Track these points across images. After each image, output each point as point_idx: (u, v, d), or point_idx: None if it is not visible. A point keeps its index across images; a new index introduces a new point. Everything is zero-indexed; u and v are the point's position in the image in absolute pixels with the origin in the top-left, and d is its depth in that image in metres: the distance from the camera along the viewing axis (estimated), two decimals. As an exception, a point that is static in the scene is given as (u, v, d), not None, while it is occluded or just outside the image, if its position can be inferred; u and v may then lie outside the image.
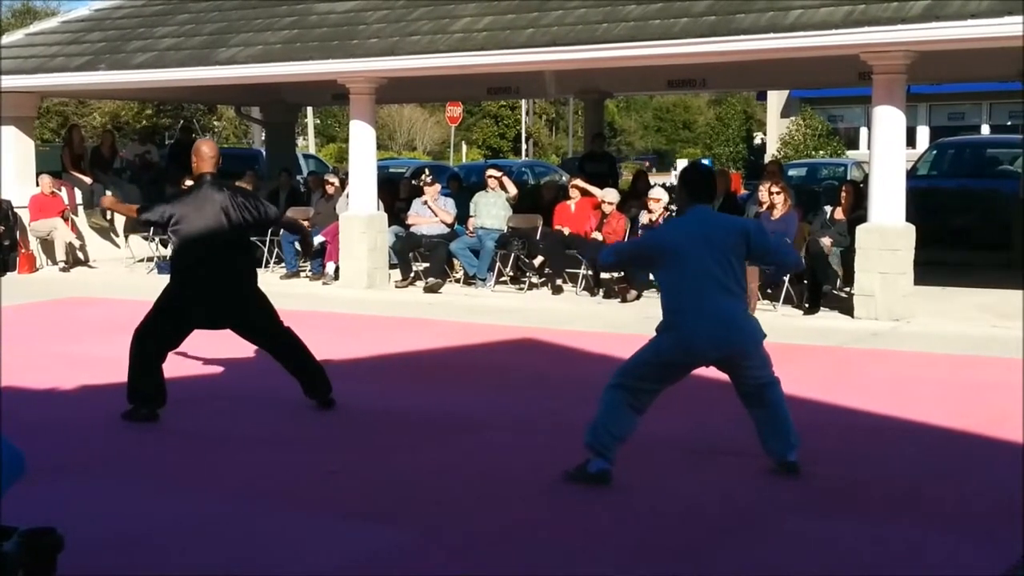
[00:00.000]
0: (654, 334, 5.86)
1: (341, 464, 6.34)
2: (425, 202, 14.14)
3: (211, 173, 7.12)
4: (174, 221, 7.05)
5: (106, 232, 17.38)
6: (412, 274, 14.04)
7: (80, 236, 16.59)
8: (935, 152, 21.42)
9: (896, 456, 6.41)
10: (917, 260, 11.20)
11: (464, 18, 12.92)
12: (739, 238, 5.72)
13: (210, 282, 7.09)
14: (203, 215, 7.02)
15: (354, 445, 6.78)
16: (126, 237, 16.88)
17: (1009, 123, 34.12)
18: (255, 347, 7.93)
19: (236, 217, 7.07)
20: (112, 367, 8.98)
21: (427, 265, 14.12)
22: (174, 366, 8.97)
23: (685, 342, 5.66)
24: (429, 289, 13.44)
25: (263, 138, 24.37)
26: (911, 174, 15.22)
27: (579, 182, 13.97)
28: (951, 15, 9.84)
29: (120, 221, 17.15)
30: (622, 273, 12.79)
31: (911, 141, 30.29)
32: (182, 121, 32.29)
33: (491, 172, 14.64)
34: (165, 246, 16.00)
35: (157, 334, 7.13)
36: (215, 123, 41.16)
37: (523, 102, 50.93)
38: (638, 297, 12.47)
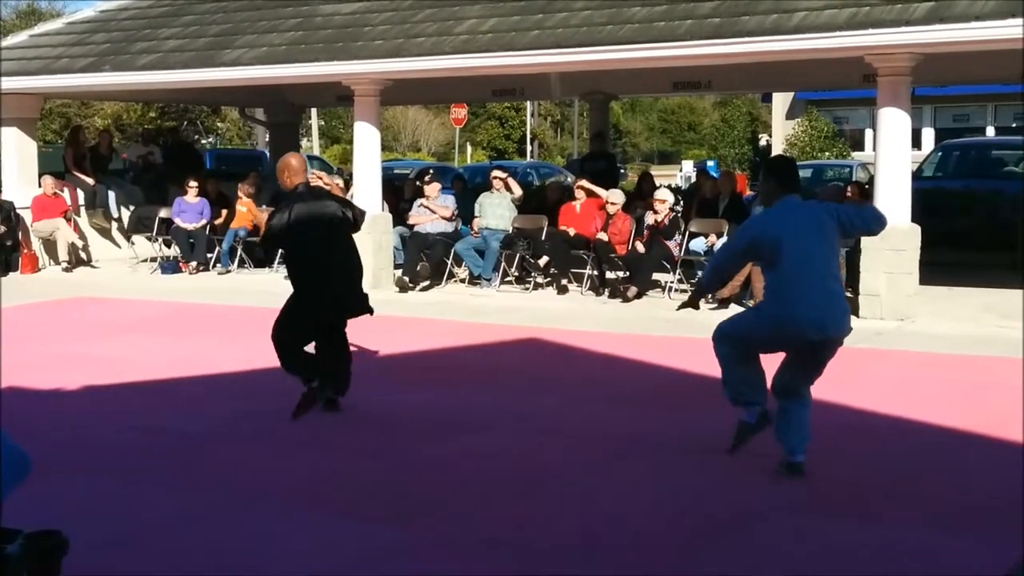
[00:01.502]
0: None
1: (343, 464, 6.35)
2: (422, 204, 14.16)
3: (304, 183, 7.45)
4: (296, 228, 7.24)
5: (108, 232, 17.40)
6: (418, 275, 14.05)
7: (83, 236, 16.62)
8: (940, 154, 21.39)
9: (898, 456, 6.41)
10: (922, 260, 11.20)
11: (469, 20, 12.92)
12: (835, 221, 5.86)
13: (342, 280, 7.42)
14: (322, 220, 7.34)
15: (355, 444, 6.79)
16: (128, 237, 16.92)
17: (1014, 125, 34.06)
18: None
19: (346, 217, 7.46)
20: (115, 367, 9.02)
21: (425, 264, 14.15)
22: (173, 366, 9.01)
23: (796, 319, 5.68)
24: (420, 288, 13.43)
25: (267, 139, 24.41)
26: (916, 175, 15.19)
27: (585, 183, 13.97)
28: (955, 17, 9.83)
29: (123, 221, 17.20)
30: (628, 273, 12.82)
31: (916, 143, 30.27)
32: (185, 122, 32.33)
33: (496, 173, 14.66)
34: (168, 246, 16.05)
35: (296, 337, 7.36)
36: (219, 124, 41.22)
37: (528, 104, 50.93)
38: (638, 296, 12.46)
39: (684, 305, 6.61)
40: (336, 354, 7.52)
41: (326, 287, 7.33)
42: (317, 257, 7.32)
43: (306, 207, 7.32)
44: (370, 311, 7.63)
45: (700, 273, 12.78)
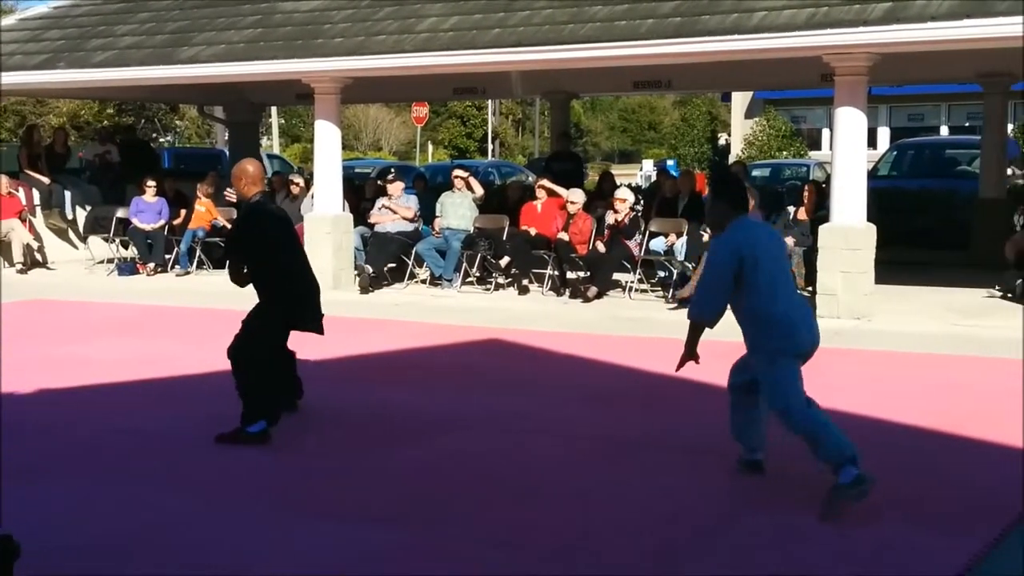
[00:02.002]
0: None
1: (324, 466, 6.32)
2: (384, 205, 14.11)
3: (262, 192, 7.17)
4: (279, 236, 7.06)
5: (64, 233, 17.20)
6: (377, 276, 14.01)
7: (38, 237, 16.40)
8: (896, 153, 21.64)
9: (862, 454, 6.45)
10: (878, 259, 11.31)
11: (430, 18, 12.89)
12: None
13: (314, 288, 7.25)
14: (290, 229, 7.23)
15: (324, 447, 6.76)
16: (85, 239, 16.73)
17: (967, 124, 34.49)
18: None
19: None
20: (71, 369, 8.92)
21: (393, 266, 14.10)
22: (145, 368, 8.92)
23: (804, 338, 5.58)
24: (363, 289, 13.41)
25: (226, 138, 24.24)
26: (872, 175, 15.36)
27: (546, 182, 13.98)
28: (911, 17, 9.94)
29: (84, 221, 17.00)
30: (589, 273, 12.85)
31: (872, 142, 30.55)
32: (143, 120, 32.05)
33: (457, 172, 14.63)
34: (126, 247, 15.89)
35: (270, 352, 7.02)
36: (177, 123, 40.88)
37: (489, 102, 50.92)
38: (599, 296, 12.50)
39: (685, 359, 5.85)
40: (289, 364, 7.39)
41: (310, 295, 7.18)
42: (302, 265, 7.19)
43: (280, 215, 7.27)
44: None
45: (662, 273, 12.84)
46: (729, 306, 5.71)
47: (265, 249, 6.95)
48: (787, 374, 5.55)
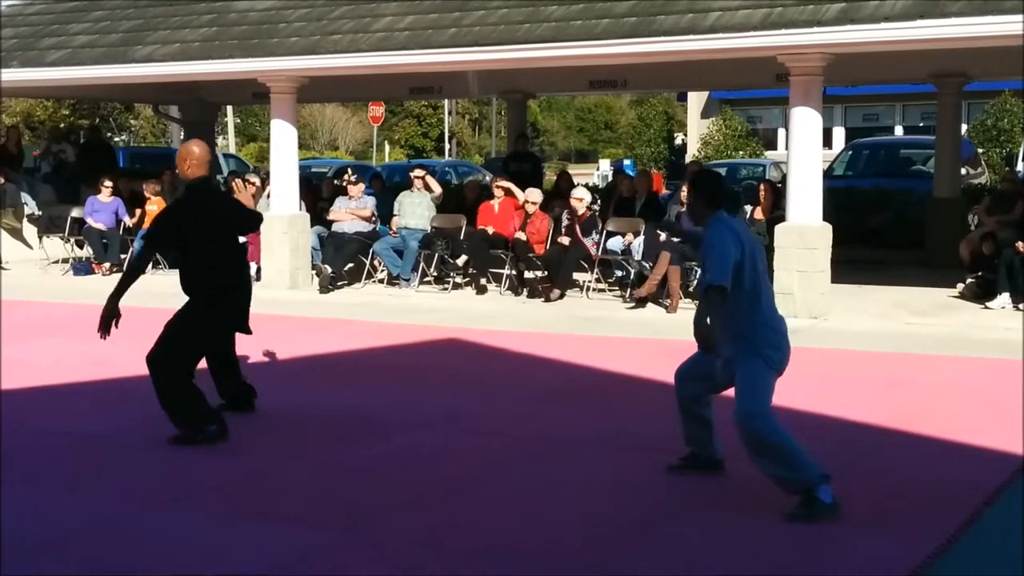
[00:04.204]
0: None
1: (267, 467, 6.28)
2: (349, 198, 14.07)
3: (205, 176, 6.79)
4: (216, 228, 6.71)
5: (18, 233, 16.98)
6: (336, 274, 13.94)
7: (-9, 237, 16.22)
8: (851, 153, 21.87)
9: (815, 451, 6.49)
10: (834, 258, 11.41)
11: (386, 17, 12.86)
12: None
13: (245, 286, 6.99)
14: (218, 221, 6.78)
15: (274, 447, 6.71)
16: (40, 239, 16.53)
17: (922, 124, 34.90)
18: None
19: (236, 221, 6.95)
20: (27, 370, 8.80)
21: (351, 265, 14.05)
22: (86, 369, 8.82)
23: (784, 340, 5.41)
24: (322, 289, 13.36)
25: (182, 137, 24.03)
26: (827, 174, 15.49)
27: (504, 182, 13.99)
28: (865, 18, 10.04)
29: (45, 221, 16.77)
30: (547, 272, 12.87)
31: (827, 142, 30.86)
32: (98, 119, 31.72)
33: (416, 172, 14.60)
34: (81, 247, 15.71)
35: (194, 360, 6.73)
36: (132, 122, 40.51)
37: (446, 102, 50.86)
38: (561, 296, 12.52)
39: (709, 348, 5.37)
40: (234, 367, 7.28)
41: (244, 294, 6.98)
42: (240, 262, 7.01)
43: (222, 206, 6.92)
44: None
45: (620, 272, 12.88)
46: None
47: (209, 228, 6.62)
48: (769, 380, 5.37)
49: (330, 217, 14.13)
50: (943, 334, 10.13)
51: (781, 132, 35.58)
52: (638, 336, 10.39)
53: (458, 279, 13.65)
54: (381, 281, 13.99)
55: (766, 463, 5.34)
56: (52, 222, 16.17)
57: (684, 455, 5.99)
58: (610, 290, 13.09)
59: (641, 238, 12.48)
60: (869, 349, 9.62)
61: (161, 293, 13.08)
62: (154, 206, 15.28)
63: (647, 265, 12.09)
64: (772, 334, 5.38)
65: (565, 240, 12.70)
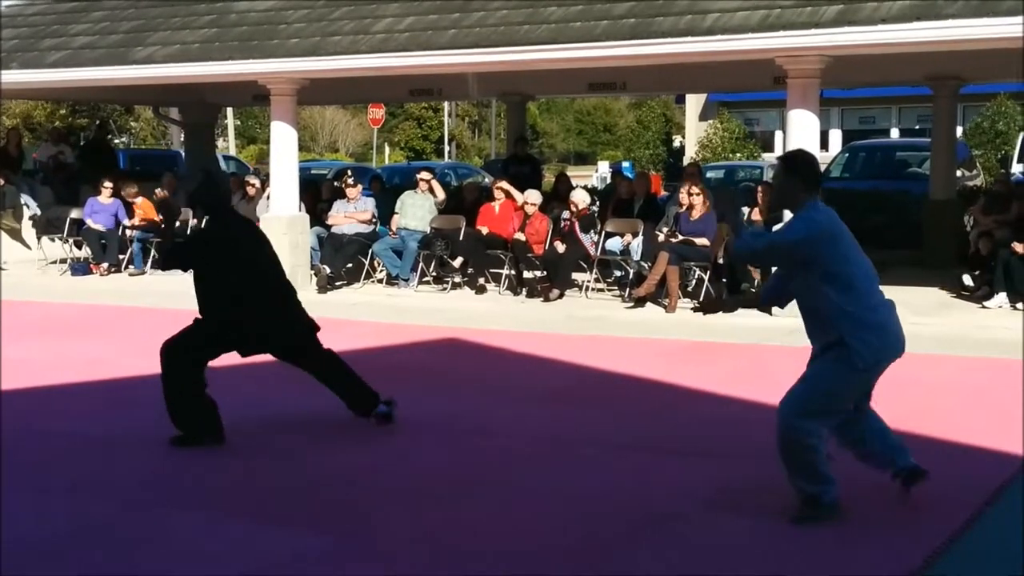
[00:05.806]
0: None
1: (265, 469, 6.30)
2: (348, 200, 14.10)
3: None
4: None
5: (17, 234, 17.00)
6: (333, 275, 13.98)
7: (-9, 238, 16.24)
8: (847, 155, 21.92)
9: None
10: (831, 259, 11.41)
11: (386, 19, 12.89)
12: None
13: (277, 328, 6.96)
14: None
15: (279, 449, 6.73)
16: (39, 239, 16.56)
17: (918, 126, 34.94)
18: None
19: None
20: (24, 370, 8.82)
21: (350, 265, 14.08)
22: (96, 368, 8.85)
23: (893, 342, 5.26)
24: (320, 289, 13.38)
25: (182, 139, 24.06)
26: (825, 176, 15.51)
27: (504, 184, 14.03)
28: (862, 20, 10.08)
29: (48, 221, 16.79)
30: (546, 272, 12.91)
31: (824, 144, 30.94)
32: (98, 120, 31.72)
33: (423, 175, 14.59)
34: (79, 247, 15.74)
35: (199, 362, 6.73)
36: (132, 124, 40.52)
37: (446, 104, 50.88)
38: (560, 296, 12.56)
39: (736, 304, 5.39)
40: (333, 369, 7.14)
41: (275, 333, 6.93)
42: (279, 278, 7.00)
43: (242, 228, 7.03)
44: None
45: (618, 273, 12.93)
46: (796, 301, 5.38)
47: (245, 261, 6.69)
48: (849, 388, 5.15)
49: (328, 221, 14.17)
50: (943, 334, 10.15)
51: (778, 134, 35.61)
52: (637, 336, 10.42)
53: (456, 279, 13.68)
54: (380, 281, 14.02)
55: (791, 470, 5.18)
56: (50, 223, 16.19)
57: (895, 477, 5.45)
58: (609, 290, 13.12)
59: (640, 238, 12.53)
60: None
61: (159, 292, 13.16)
62: (139, 209, 15.37)
63: (646, 265, 12.13)
64: (856, 319, 5.09)
65: (561, 247, 12.72)
